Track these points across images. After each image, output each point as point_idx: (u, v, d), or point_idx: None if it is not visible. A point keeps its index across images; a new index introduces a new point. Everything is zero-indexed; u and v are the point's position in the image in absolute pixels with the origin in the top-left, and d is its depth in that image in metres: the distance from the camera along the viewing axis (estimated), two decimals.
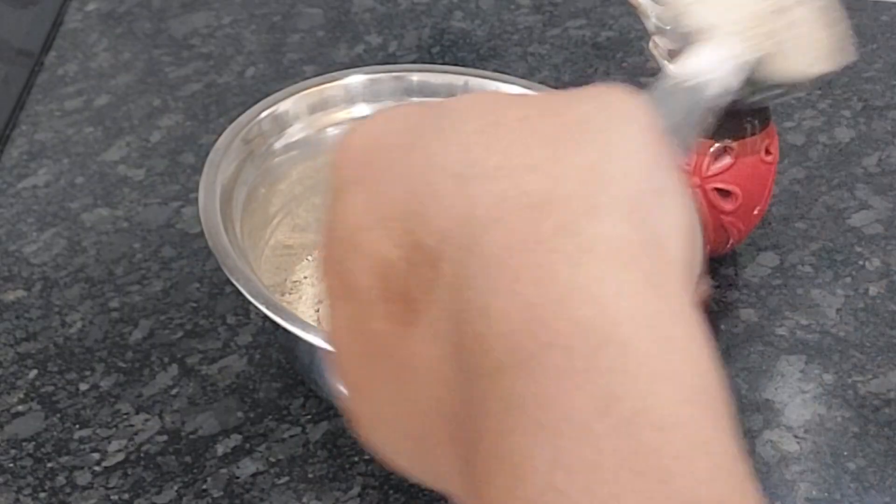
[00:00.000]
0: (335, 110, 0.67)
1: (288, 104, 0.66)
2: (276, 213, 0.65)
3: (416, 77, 0.68)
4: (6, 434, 0.61)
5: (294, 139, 0.66)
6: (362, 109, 0.68)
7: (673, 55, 0.67)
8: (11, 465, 0.60)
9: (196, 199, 0.60)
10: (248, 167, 0.63)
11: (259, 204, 0.64)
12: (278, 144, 0.65)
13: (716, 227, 0.68)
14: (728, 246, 0.70)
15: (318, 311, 0.63)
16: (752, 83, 0.51)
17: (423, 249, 0.27)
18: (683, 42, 0.67)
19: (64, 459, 0.60)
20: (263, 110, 0.65)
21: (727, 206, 0.67)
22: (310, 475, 0.60)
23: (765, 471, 0.61)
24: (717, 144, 0.66)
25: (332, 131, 0.67)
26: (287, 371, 0.65)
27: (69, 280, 0.70)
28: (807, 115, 0.84)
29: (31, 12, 0.90)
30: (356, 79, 0.68)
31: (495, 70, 0.87)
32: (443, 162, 0.27)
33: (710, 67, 0.47)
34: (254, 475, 0.60)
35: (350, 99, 0.67)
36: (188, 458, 0.60)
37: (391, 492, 0.59)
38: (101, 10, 0.92)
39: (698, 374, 0.26)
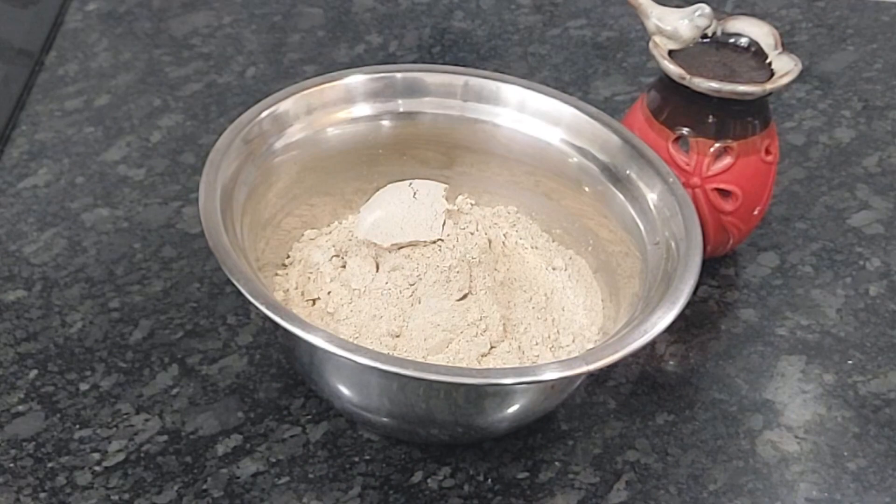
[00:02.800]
0: (335, 110, 0.67)
1: (288, 104, 0.66)
2: (277, 213, 0.65)
3: (415, 76, 0.68)
4: (6, 434, 0.61)
5: (294, 139, 0.66)
6: (362, 109, 0.68)
7: (673, 55, 0.67)
8: (12, 465, 0.60)
9: (196, 199, 0.60)
10: (248, 167, 0.63)
11: (259, 204, 0.64)
12: (278, 144, 0.65)
13: (716, 227, 0.68)
14: (728, 246, 0.70)
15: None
16: None
17: None
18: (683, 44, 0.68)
19: (64, 459, 0.60)
20: (263, 110, 0.65)
21: (727, 206, 0.67)
22: (310, 475, 0.60)
23: (765, 471, 0.61)
24: (717, 144, 0.66)
25: (332, 131, 0.67)
26: (287, 371, 0.65)
27: (69, 280, 0.70)
28: (807, 115, 0.84)
29: (32, 12, 0.90)
30: (356, 79, 0.68)
31: (495, 70, 0.87)
32: None
33: None
34: (254, 475, 0.60)
35: (350, 99, 0.67)
36: (188, 458, 0.60)
37: (391, 492, 0.59)
38: (102, 10, 0.92)
39: None
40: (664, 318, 0.55)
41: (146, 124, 0.81)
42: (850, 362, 0.67)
